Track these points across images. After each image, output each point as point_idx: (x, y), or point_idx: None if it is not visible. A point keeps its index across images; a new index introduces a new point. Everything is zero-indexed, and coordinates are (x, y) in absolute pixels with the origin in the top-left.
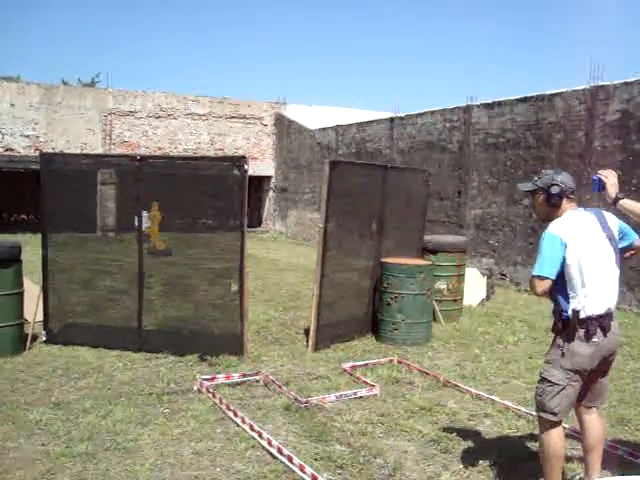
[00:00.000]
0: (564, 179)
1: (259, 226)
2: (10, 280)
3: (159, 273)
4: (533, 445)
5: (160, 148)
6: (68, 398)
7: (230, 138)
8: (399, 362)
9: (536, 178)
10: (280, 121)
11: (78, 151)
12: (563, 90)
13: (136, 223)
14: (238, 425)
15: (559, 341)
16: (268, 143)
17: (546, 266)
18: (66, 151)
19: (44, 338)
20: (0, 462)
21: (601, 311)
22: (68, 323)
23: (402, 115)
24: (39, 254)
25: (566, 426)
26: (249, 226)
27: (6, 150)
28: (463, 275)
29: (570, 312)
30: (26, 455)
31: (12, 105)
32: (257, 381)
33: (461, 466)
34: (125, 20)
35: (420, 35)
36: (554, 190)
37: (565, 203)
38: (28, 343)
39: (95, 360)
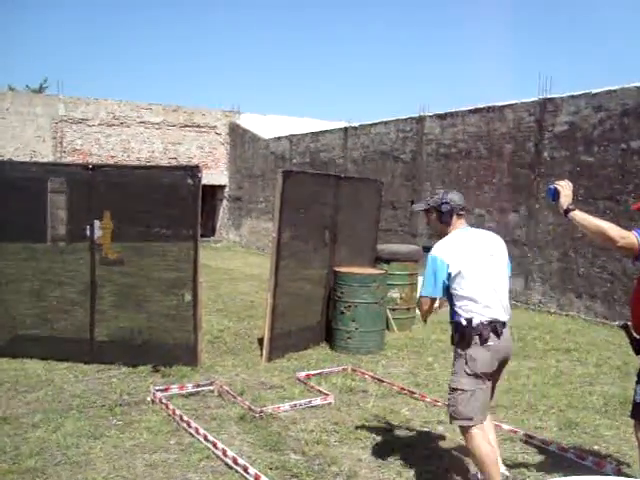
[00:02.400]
0: (453, 197)
1: (213, 235)
2: None
3: (111, 283)
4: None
5: (113, 157)
6: (16, 412)
7: (184, 147)
8: (353, 370)
9: (429, 198)
10: (234, 130)
11: (28, 159)
12: (513, 102)
13: (88, 232)
14: (192, 436)
15: (459, 351)
16: (222, 152)
17: (429, 286)
18: (15, 159)
19: None
20: None
21: (491, 318)
22: (16, 335)
23: (356, 125)
24: None
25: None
26: (203, 235)
27: None
28: (416, 284)
29: (464, 321)
30: None
31: None
32: (211, 391)
33: (416, 472)
34: (75, 25)
35: (373, 45)
36: (444, 208)
37: (455, 219)
38: None
39: (45, 372)
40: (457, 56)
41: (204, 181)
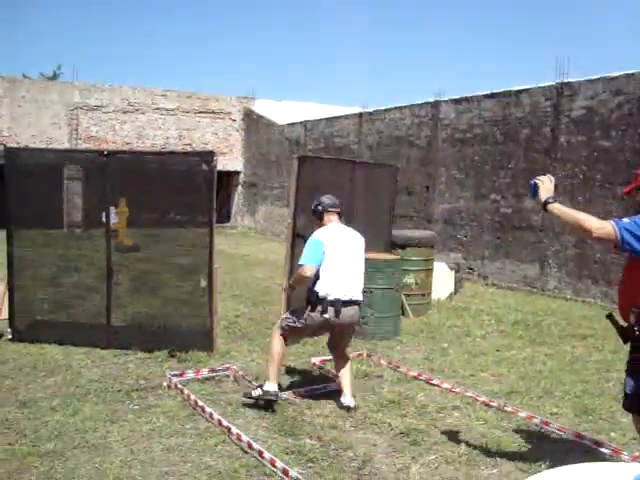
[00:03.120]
0: (324, 199)
1: (228, 221)
2: None
3: (127, 269)
4: (501, 436)
5: (128, 143)
6: (35, 396)
7: (198, 133)
8: (368, 356)
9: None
10: (249, 116)
11: (44, 146)
12: (530, 87)
13: (104, 219)
14: (208, 420)
15: (307, 308)
16: (236, 138)
17: (310, 257)
18: (32, 146)
19: (10, 336)
20: None
21: (333, 297)
22: (35, 320)
23: (370, 110)
24: (3, 251)
25: (521, 414)
26: (218, 221)
27: None
28: (431, 269)
29: (317, 292)
30: None
31: None
32: (227, 376)
33: (430, 458)
34: (88, 11)
35: (388, 31)
36: (316, 208)
37: (326, 216)
38: None
39: (63, 357)
40: (473, 41)
41: (219, 167)
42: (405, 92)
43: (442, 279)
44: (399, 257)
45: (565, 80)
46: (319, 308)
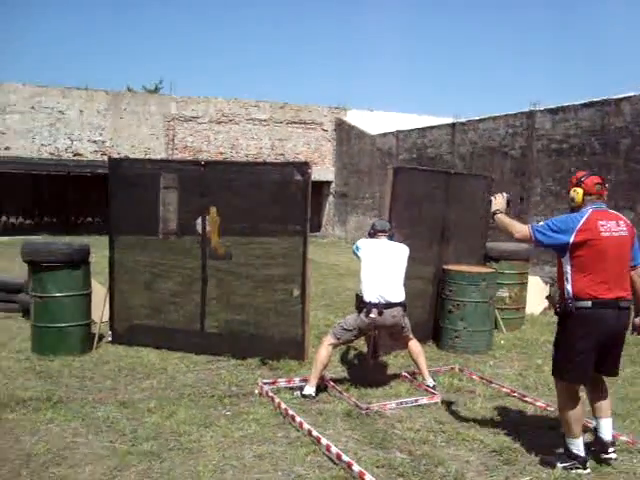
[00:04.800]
0: (377, 224)
1: (318, 231)
2: (80, 281)
3: (220, 277)
4: (600, 462)
5: (221, 153)
6: (133, 398)
7: (290, 143)
8: (460, 370)
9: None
10: (340, 126)
11: (142, 156)
12: (631, 94)
13: (197, 227)
14: (299, 430)
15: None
16: (328, 148)
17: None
18: (131, 156)
19: (110, 338)
20: (71, 456)
21: (376, 300)
22: (132, 324)
23: (463, 120)
24: (103, 256)
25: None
26: (309, 231)
27: (75, 155)
28: (525, 283)
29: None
30: (95, 451)
31: (81, 112)
32: (318, 386)
33: (526, 479)
34: (187, 28)
35: (481, 39)
36: (370, 230)
37: (376, 236)
38: (95, 343)
39: (159, 361)
40: (569, 50)
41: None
42: (498, 101)
43: (536, 293)
44: (493, 270)
45: None
46: (364, 311)
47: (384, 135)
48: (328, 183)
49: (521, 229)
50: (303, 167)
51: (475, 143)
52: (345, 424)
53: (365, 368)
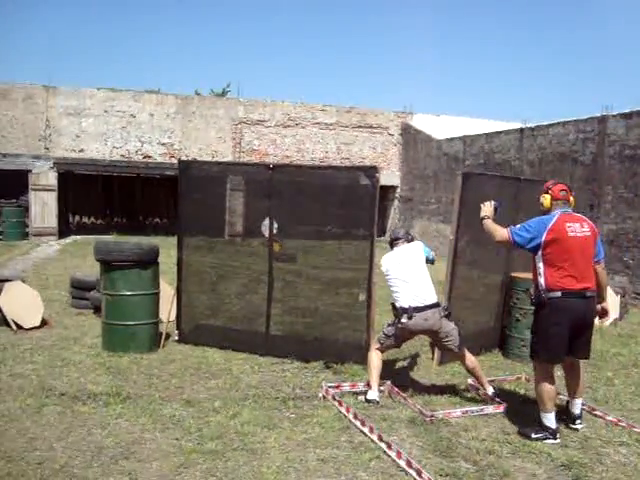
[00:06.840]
0: (396, 232)
1: (383, 235)
2: (149, 281)
3: (286, 279)
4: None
5: (288, 156)
6: (198, 397)
7: (356, 147)
8: (527, 380)
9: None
10: (406, 131)
11: (209, 158)
12: None
13: (264, 229)
14: (364, 434)
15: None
16: (394, 153)
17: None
18: (198, 158)
19: (176, 337)
20: (139, 451)
21: (406, 305)
22: (198, 324)
23: (532, 126)
24: (170, 256)
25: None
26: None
27: (144, 157)
28: None
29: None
30: (161, 448)
31: (151, 115)
32: (381, 391)
33: None
34: (255, 33)
35: (550, 43)
36: (390, 237)
37: (394, 244)
38: (162, 341)
39: (224, 362)
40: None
41: None
42: (566, 106)
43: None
44: None
45: None
46: (398, 317)
47: (451, 140)
48: (394, 188)
49: (501, 233)
50: (371, 171)
51: (544, 149)
52: (409, 431)
53: (430, 375)
